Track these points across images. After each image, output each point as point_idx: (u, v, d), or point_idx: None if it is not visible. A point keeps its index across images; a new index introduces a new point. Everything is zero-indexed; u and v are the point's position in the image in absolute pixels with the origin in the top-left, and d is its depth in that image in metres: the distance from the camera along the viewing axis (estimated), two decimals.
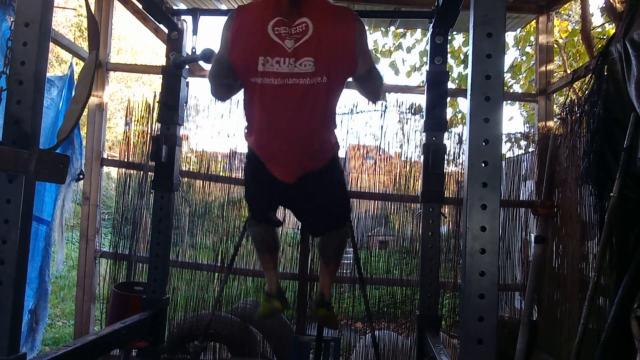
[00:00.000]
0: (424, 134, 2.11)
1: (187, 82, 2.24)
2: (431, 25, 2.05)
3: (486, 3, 1.06)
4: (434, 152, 1.98)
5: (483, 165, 1.03)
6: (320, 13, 1.55)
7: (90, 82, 1.33)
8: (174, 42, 2.20)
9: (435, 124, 2.03)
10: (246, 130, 1.72)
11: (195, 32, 2.09)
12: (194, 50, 2.08)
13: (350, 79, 1.72)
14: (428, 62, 2.11)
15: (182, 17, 2.20)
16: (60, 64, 11.07)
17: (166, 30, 2.24)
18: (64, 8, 9.54)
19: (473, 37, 1.07)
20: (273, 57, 1.52)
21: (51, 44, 1.53)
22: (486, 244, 1.01)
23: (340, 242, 1.90)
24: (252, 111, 1.65)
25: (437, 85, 2.04)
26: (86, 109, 3.45)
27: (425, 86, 2.07)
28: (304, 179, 1.64)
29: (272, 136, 1.61)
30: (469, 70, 1.08)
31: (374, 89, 1.74)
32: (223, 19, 1.68)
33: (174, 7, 2.20)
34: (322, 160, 1.68)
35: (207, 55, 1.87)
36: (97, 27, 1.47)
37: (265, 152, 1.65)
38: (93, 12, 3.30)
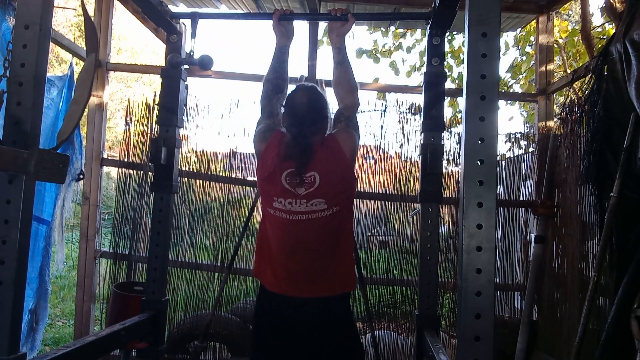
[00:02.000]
0: (422, 134, 2.11)
1: (186, 85, 2.24)
2: (428, 26, 2.05)
3: (481, 3, 1.06)
4: (431, 152, 1.99)
5: (479, 163, 1.03)
6: (323, 162, 1.66)
7: (89, 85, 1.33)
8: (173, 45, 2.21)
9: (433, 124, 2.04)
10: (257, 265, 1.79)
11: (193, 35, 2.09)
12: (191, 53, 2.08)
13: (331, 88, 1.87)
14: (425, 63, 2.11)
15: (181, 20, 2.20)
16: (60, 64, 11.08)
17: (165, 32, 2.25)
18: (64, 8, 9.55)
19: (468, 37, 1.07)
20: (286, 199, 1.65)
21: (51, 44, 1.53)
22: (482, 242, 1.02)
23: None
24: (265, 241, 1.75)
25: (434, 86, 2.05)
26: (86, 109, 3.46)
27: (423, 87, 2.08)
28: (314, 304, 1.66)
29: (286, 256, 1.68)
30: (464, 70, 1.09)
31: (355, 96, 1.85)
32: (223, 22, 1.69)
33: (173, 9, 2.20)
34: (336, 288, 1.70)
35: (204, 62, 1.89)
36: (95, 30, 1.47)
37: (276, 270, 1.69)
38: (93, 13, 3.32)
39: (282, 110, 1.79)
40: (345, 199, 1.71)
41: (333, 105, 1.87)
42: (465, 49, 1.10)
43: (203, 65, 1.90)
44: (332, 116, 1.84)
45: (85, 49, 1.46)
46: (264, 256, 1.75)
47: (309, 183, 1.64)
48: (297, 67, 3.05)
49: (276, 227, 1.70)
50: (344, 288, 1.73)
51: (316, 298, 1.66)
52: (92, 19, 3.31)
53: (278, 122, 1.84)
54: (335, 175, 1.66)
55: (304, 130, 1.68)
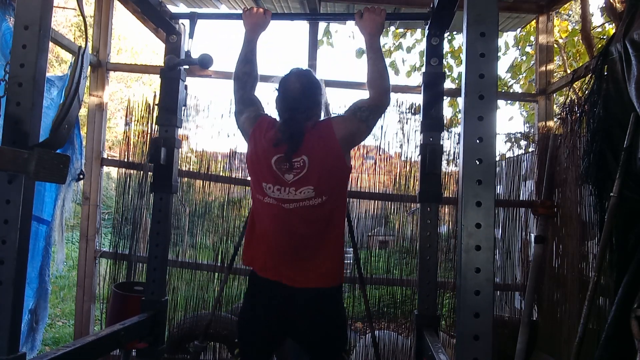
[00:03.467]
0: (421, 134, 2.12)
1: (186, 85, 2.25)
2: (427, 27, 2.06)
3: (479, 3, 1.06)
4: (431, 152, 1.99)
5: (477, 162, 1.04)
6: (313, 147, 1.63)
7: (74, 76, 1.32)
8: (172, 45, 2.21)
9: (433, 124, 2.04)
10: (245, 250, 1.77)
11: (191, 35, 2.09)
12: (188, 52, 2.08)
13: (364, 83, 1.78)
14: (425, 63, 2.12)
15: (181, 20, 2.20)
16: (60, 64, 11.08)
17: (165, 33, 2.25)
18: (64, 8, 9.55)
19: (467, 37, 1.07)
20: (274, 185, 1.64)
21: (51, 44, 1.53)
22: (481, 241, 1.02)
23: None
24: (254, 226, 1.74)
25: (433, 86, 2.05)
26: (86, 109, 3.46)
27: (422, 87, 2.08)
28: (306, 293, 1.65)
29: (275, 252, 1.67)
30: (462, 70, 1.09)
31: (379, 94, 1.76)
32: (222, 22, 1.69)
33: (173, 9, 2.20)
34: (328, 280, 1.68)
35: (204, 61, 1.89)
36: (85, 23, 1.48)
37: (268, 265, 1.69)
38: (93, 13, 3.32)
39: (276, 93, 1.77)
40: (336, 187, 1.68)
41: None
42: (463, 49, 1.10)
43: (203, 64, 1.90)
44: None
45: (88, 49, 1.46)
46: (254, 244, 1.74)
47: (298, 168, 1.62)
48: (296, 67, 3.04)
49: (265, 215, 1.69)
50: (334, 282, 1.70)
51: (305, 289, 1.65)
52: (92, 18, 3.32)
53: (262, 108, 1.85)
54: (324, 161, 1.63)
55: (296, 115, 1.66)
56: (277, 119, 1.77)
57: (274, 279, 1.67)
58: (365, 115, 1.70)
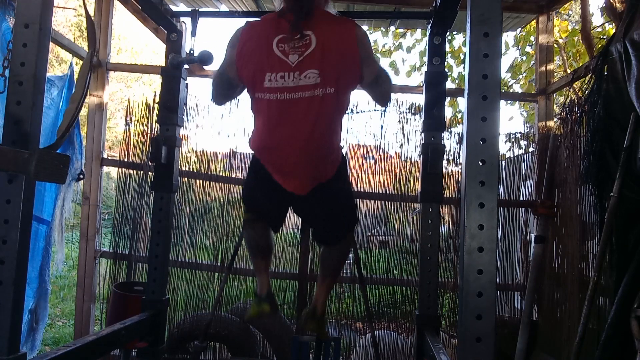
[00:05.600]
0: (422, 134, 2.12)
1: (187, 84, 2.24)
2: (429, 26, 2.06)
3: (483, 3, 1.06)
4: (432, 152, 1.99)
5: (480, 163, 1.03)
6: (322, 25, 1.57)
7: (84, 82, 1.33)
8: (173, 43, 2.21)
9: (434, 124, 2.04)
10: (253, 139, 1.71)
11: (194, 33, 2.09)
12: (192, 51, 2.08)
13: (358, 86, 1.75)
14: (426, 62, 2.12)
15: (182, 18, 2.20)
16: (60, 64, 11.07)
17: (166, 31, 2.25)
18: (64, 8, 9.55)
19: (470, 37, 1.07)
20: (277, 73, 1.55)
21: (51, 44, 1.53)
22: (484, 242, 1.01)
23: (342, 254, 1.90)
24: (259, 124, 1.66)
25: (435, 86, 2.05)
26: (86, 109, 3.46)
27: (424, 87, 2.08)
28: (314, 190, 1.65)
29: (280, 150, 1.62)
30: (465, 70, 1.09)
31: (382, 93, 1.73)
32: (223, 21, 1.69)
33: (173, 9, 2.20)
34: (331, 171, 1.68)
35: (204, 58, 1.88)
36: (93, 27, 1.47)
37: (274, 165, 1.66)
38: (93, 13, 3.32)
39: None
40: (343, 81, 1.58)
41: None
42: (467, 49, 1.10)
43: (203, 61, 1.89)
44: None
45: (87, 47, 1.46)
46: (258, 146, 1.69)
47: (304, 45, 1.53)
48: None
49: (266, 111, 1.60)
50: (335, 166, 1.69)
51: (311, 190, 1.65)
52: (92, 18, 3.32)
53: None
54: (334, 47, 1.55)
55: None
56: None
57: (274, 179, 1.65)
58: (384, 78, 1.68)
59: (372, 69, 1.65)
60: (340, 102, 1.62)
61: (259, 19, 1.72)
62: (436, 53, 2.05)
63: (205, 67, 2.93)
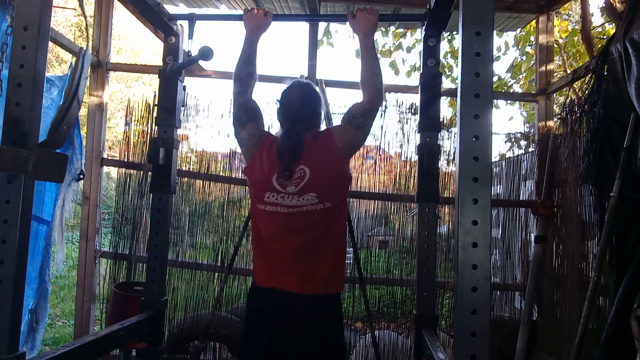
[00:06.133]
0: (418, 134, 2.12)
1: (184, 86, 2.25)
2: (424, 28, 2.06)
3: (475, 2, 1.07)
4: (428, 152, 2.00)
5: (474, 160, 1.04)
6: (314, 156, 1.65)
7: (74, 77, 1.32)
8: (171, 46, 2.21)
9: (430, 124, 2.05)
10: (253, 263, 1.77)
11: (191, 36, 2.09)
12: (189, 53, 2.08)
13: (358, 82, 1.78)
14: (422, 64, 2.12)
15: (179, 21, 2.20)
16: (60, 64, 11.09)
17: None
18: (64, 8, 9.55)
19: (462, 36, 1.08)
20: (278, 194, 1.65)
21: (51, 44, 1.53)
22: (478, 238, 1.03)
23: None
24: (258, 236, 1.73)
25: (430, 87, 2.06)
26: (86, 109, 3.47)
27: (419, 88, 2.08)
28: (307, 301, 1.64)
29: (273, 258, 1.68)
30: (458, 69, 1.10)
31: (375, 94, 1.76)
32: (221, 23, 1.69)
33: (173, 9, 2.20)
34: (326, 286, 1.67)
35: (205, 53, 1.87)
36: (87, 24, 1.48)
37: (266, 273, 1.70)
38: (93, 13, 3.33)
39: (277, 105, 1.80)
40: (338, 196, 1.70)
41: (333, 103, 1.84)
42: (459, 48, 1.11)
43: (204, 57, 1.88)
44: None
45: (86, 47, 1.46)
46: (257, 253, 1.75)
47: (299, 177, 1.63)
48: (297, 67, 3.04)
49: (267, 221, 1.69)
50: (334, 289, 1.71)
51: (305, 295, 1.64)
52: (92, 18, 3.32)
53: (262, 121, 1.85)
54: (326, 169, 1.65)
55: (296, 126, 1.69)
56: (277, 134, 1.78)
57: (270, 286, 1.67)
58: (360, 122, 1.72)
59: (350, 134, 1.71)
60: (337, 212, 1.70)
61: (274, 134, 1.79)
62: (431, 54, 2.07)
63: (206, 63, 2.90)
